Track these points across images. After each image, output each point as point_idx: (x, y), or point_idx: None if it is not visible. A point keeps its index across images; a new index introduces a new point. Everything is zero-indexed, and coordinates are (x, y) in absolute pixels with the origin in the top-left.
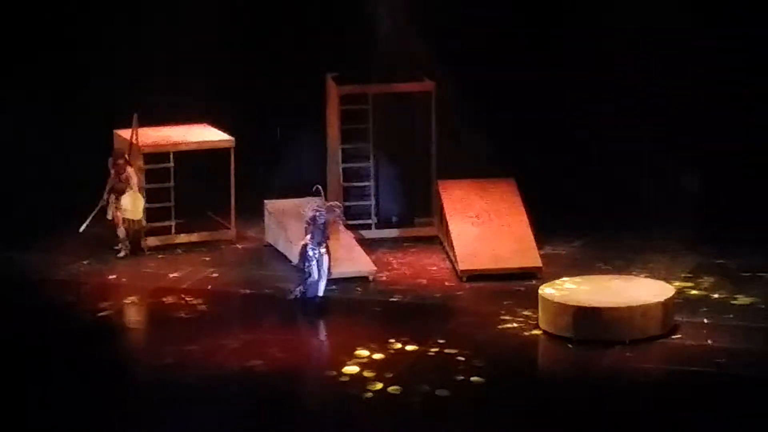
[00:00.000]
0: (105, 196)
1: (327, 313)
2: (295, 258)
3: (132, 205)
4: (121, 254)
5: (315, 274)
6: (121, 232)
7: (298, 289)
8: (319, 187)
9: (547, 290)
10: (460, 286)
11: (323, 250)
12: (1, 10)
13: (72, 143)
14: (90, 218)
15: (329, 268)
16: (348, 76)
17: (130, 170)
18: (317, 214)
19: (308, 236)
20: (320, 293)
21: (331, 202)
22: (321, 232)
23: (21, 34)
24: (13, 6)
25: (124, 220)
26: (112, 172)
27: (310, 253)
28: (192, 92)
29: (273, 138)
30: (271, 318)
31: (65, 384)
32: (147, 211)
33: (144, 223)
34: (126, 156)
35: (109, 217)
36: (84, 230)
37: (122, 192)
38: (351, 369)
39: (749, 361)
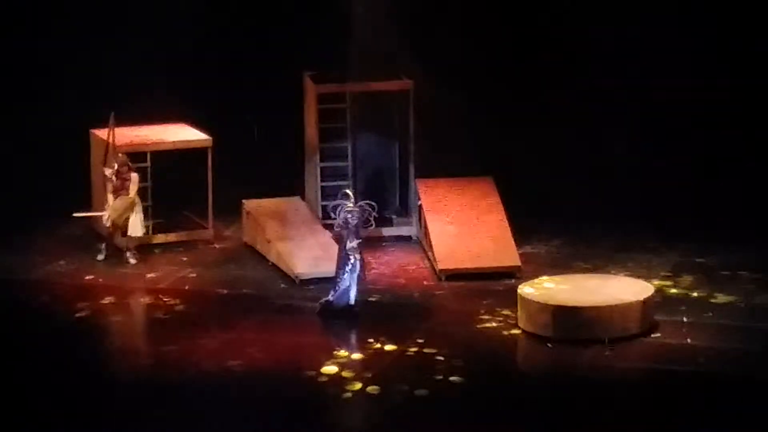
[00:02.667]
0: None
1: (356, 319)
2: (272, 258)
3: (121, 209)
4: (100, 257)
5: (347, 282)
6: (107, 236)
7: (326, 298)
8: (348, 191)
9: (526, 289)
10: (439, 286)
11: (358, 256)
12: None
13: (47, 143)
14: (89, 214)
15: (363, 274)
16: (326, 74)
17: (134, 177)
18: (349, 215)
19: (349, 242)
20: (352, 301)
21: (362, 202)
22: (355, 235)
23: None
24: None
25: (111, 224)
26: (114, 179)
27: (352, 259)
28: (169, 91)
29: (251, 137)
30: (249, 318)
31: (42, 385)
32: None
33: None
34: (129, 164)
35: (107, 223)
36: (61, 228)
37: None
38: (330, 369)
39: (729, 359)
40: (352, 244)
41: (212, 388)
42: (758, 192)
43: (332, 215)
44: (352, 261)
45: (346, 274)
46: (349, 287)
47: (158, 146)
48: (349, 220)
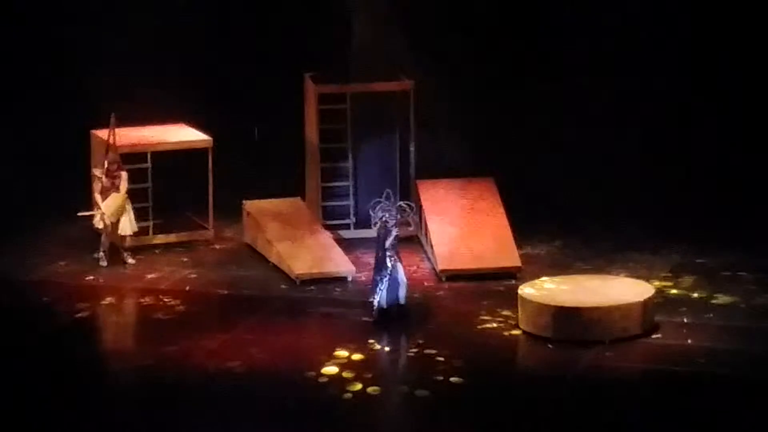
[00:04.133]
0: (97, 203)
1: (407, 319)
2: (272, 258)
3: (114, 207)
4: (103, 263)
5: (386, 282)
6: (105, 240)
7: (375, 307)
8: (389, 191)
9: (526, 290)
10: (440, 286)
11: (394, 257)
12: None
13: (48, 143)
14: (91, 213)
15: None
16: (326, 75)
17: (123, 175)
18: (387, 215)
19: (387, 241)
20: (402, 300)
21: (401, 202)
22: (393, 236)
23: None
24: None
25: (105, 226)
26: (104, 178)
27: (389, 262)
28: (169, 92)
29: (251, 138)
30: (249, 319)
31: (42, 385)
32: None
33: (128, 239)
34: (119, 162)
35: (99, 225)
36: (61, 229)
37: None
38: (330, 370)
39: (729, 360)
40: (389, 243)
41: (212, 388)
42: (758, 192)
43: (371, 215)
44: (392, 261)
45: (385, 276)
46: (395, 287)
47: (158, 147)
48: (387, 219)
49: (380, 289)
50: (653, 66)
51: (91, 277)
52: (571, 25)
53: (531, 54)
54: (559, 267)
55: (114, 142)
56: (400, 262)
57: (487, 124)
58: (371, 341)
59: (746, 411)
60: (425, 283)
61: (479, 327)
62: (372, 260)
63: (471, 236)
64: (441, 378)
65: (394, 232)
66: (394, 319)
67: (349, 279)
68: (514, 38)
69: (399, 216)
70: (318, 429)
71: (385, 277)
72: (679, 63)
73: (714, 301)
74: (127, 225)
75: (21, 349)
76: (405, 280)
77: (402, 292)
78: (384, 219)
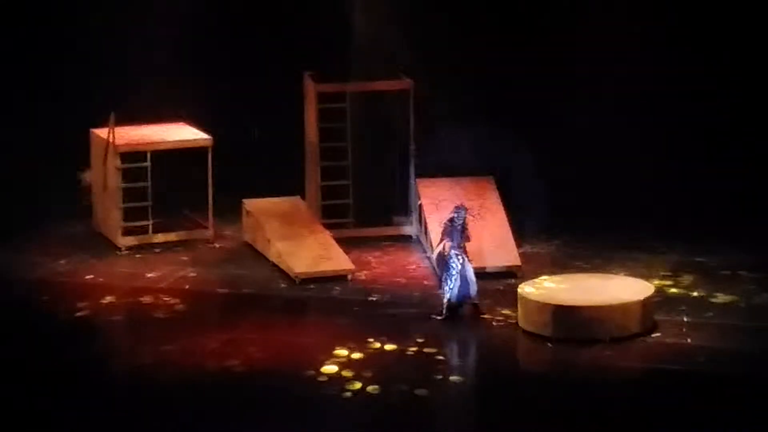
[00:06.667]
0: None
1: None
2: (272, 257)
3: None
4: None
5: (455, 280)
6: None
7: (444, 306)
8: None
9: (526, 289)
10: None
11: (463, 255)
12: None
13: (48, 142)
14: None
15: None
16: (326, 74)
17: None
18: (455, 215)
19: (447, 241)
20: (473, 293)
21: (465, 202)
22: (459, 234)
23: None
24: None
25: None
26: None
27: (454, 260)
28: (169, 91)
29: (251, 137)
30: (249, 318)
31: (42, 384)
32: (124, 210)
33: None
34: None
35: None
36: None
37: None
38: (330, 368)
39: (729, 359)
40: (453, 243)
41: (212, 387)
42: (758, 192)
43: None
44: (460, 260)
45: (453, 273)
46: (468, 284)
47: (158, 146)
48: (455, 219)
49: (450, 287)
50: (655, 66)
51: (91, 276)
52: (574, 23)
53: (530, 53)
54: (558, 266)
55: (113, 141)
56: (469, 261)
57: (487, 123)
58: (370, 340)
59: (745, 410)
60: (425, 282)
61: (479, 326)
62: (370, 258)
63: (471, 235)
64: (440, 377)
65: (460, 231)
66: (463, 316)
67: (349, 278)
68: (514, 36)
69: (467, 213)
70: (318, 428)
71: (454, 275)
72: (679, 63)
73: (714, 300)
74: None
75: (21, 348)
76: (474, 278)
77: (473, 290)
78: (452, 218)
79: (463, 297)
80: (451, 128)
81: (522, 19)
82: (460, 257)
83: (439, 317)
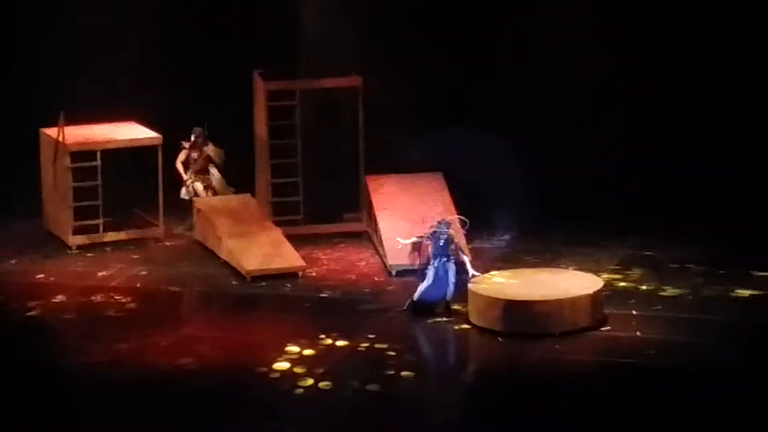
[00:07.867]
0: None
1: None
2: (223, 255)
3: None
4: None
5: (429, 279)
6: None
7: (409, 300)
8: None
9: (476, 284)
10: (390, 281)
11: (445, 260)
12: None
13: None
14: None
15: (465, 274)
16: (275, 72)
17: (209, 148)
18: (438, 229)
19: (427, 242)
20: (449, 297)
21: (451, 217)
22: (441, 248)
23: None
24: None
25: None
26: (186, 151)
27: (435, 264)
28: (119, 90)
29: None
30: (200, 315)
31: None
32: (74, 209)
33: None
34: (203, 134)
35: (186, 197)
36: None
37: (202, 170)
38: (281, 365)
39: (678, 352)
40: (436, 251)
41: (164, 385)
42: (705, 185)
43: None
44: (438, 262)
45: (429, 276)
46: (439, 288)
47: (108, 144)
48: (439, 236)
49: (422, 289)
50: (607, 59)
51: (42, 276)
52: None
53: (481, 50)
54: (508, 261)
55: (63, 140)
56: (456, 264)
57: (435, 119)
58: (322, 336)
59: (695, 401)
60: (375, 279)
61: (429, 321)
62: (321, 255)
63: (420, 231)
64: (392, 372)
65: (441, 246)
66: (431, 314)
67: (300, 275)
68: (464, 33)
69: (450, 229)
70: (270, 424)
71: (429, 277)
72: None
73: (662, 293)
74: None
75: None
76: (453, 280)
77: (450, 292)
78: (435, 233)
79: (433, 300)
80: (401, 124)
81: (475, 16)
82: (444, 264)
83: (402, 309)
